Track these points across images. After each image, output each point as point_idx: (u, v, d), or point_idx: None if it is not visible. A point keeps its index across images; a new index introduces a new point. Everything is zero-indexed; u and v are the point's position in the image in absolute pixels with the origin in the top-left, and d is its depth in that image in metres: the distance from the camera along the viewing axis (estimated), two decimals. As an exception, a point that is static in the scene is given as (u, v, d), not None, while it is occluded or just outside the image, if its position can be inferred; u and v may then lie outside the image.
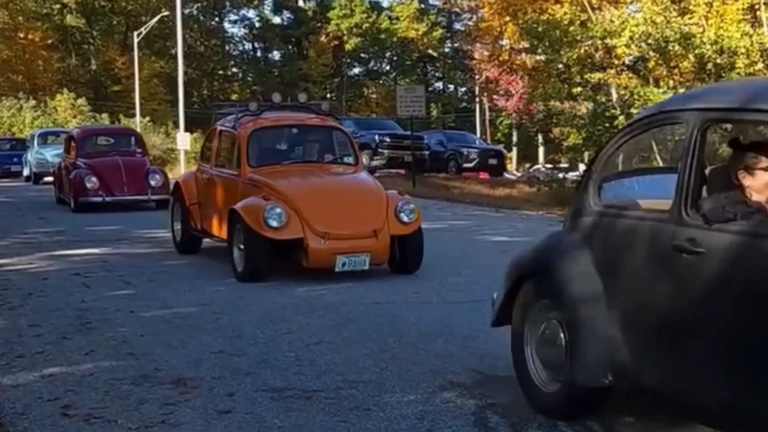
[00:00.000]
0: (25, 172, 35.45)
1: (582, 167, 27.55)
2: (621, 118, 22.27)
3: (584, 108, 24.38)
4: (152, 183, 20.65)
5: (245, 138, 11.72)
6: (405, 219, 10.82)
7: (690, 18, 22.80)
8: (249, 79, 75.48)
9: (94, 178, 20.10)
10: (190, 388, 6.19)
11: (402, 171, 31.44)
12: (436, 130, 51.19)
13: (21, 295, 9.84)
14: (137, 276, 11.15)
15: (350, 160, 12.47)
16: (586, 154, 26.03)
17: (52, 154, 30.99)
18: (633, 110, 22.02)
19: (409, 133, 30.66)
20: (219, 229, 11.84)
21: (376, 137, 31.71)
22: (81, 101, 52.49)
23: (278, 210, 10.31)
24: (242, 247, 10.58)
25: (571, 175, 27.85)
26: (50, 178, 26.68)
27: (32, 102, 51.40)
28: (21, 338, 7.84)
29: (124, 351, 7.32)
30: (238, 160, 11.73)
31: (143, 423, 5.49)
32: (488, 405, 5.75)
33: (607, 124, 22.76)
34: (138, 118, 49.70)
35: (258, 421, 5.51)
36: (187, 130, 43.15)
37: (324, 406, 5.76)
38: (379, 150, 31.42)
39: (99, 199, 20.11)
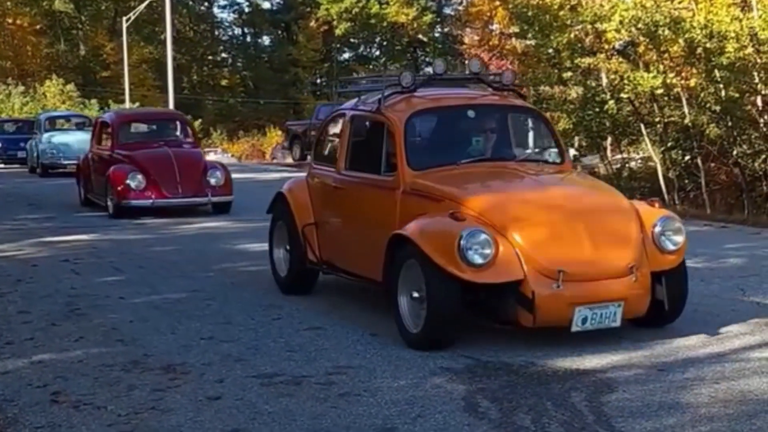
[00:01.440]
0: (30, 162, 29.90)
1: (572, 152, 27.58)
2: (611, 102, 22.28)
3: (574, 93, 24.35)
4: (212, 181, 16.40)
5: (400, 126, 7.78)
6: (669, 246, 7.12)
7: (680, 2, 22.76)
8: (239, 64, 75.19)
9: (139, 176, 15.91)
10: (180, 375, 6.19)
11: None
12: (426, 115, 51.09)
13: (10, 282, 9.81)
14: (127, 262, 11.12)
15: (553, 156, 8.46)
16: (576, 139, 26.05)
17: (62, 141, 27.46)
18: (623, 95, 22.06)
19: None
20: (363, 263, 7.96)
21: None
22: (70, 87, 52.20)
23: (483, 237, 6.64)
24: (417, 294, 6.89)
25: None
26: (65, 171, 24.80)
27: (21, 88, 51.15)
28: (10, 325, 7.82)
29: (114, 337, 7.31)
30: (389, 158, 7.87)
31: (133, 409, 5.48)
32: (478, 390, 5.75)
33: (597, 109, 22.74)
34: (128, 104, 49.52)
35: (248, 407, 5.50)
36: (176, 115, 43.01)
37: (314, 392, 5.76)
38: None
39: (147, 202, 15.90)
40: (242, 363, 6.46)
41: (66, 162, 26.08)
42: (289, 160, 34.53)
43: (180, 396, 5.73)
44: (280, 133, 47.96)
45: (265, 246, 9.59)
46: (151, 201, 15.94)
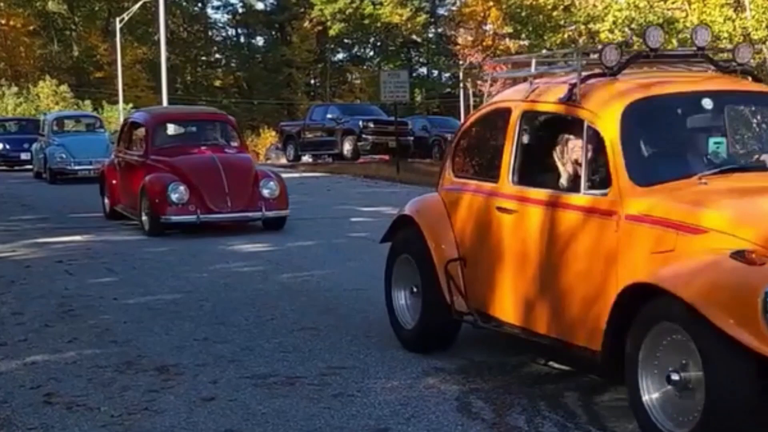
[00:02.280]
0: (35, 166, 26.91)
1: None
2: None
3: (568, 93, 24.38)
4: (265, 193, 13.75)
5: (614, 123, 5.52)
6: None
7: (673, 2, 22.82)
8: (232, 65, 75.20)
9: (182, 187, 13.36)
10: (174, 375, 6.19)
11: (386, 157, 31.43)
12: (420, 115, 51.18)
13: (3, 283, 9.80)
14: (120, 263, 11.11)
15: None
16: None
17: (73, 144, 24.90)
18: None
19: (393, 118, 30.63)
20: (552, 319, 5.71)
21: (360, 123, 31.67)
22: (63, 88, 52.16)
23: None
24: (678, 378, 4.60)
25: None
26: (75, 177, 23.63)
27: (14, 89, 51.07)
28: (3, 326, 7.81)
29: (107, 338, 7.30)
30: (594, 169, 5.62)
31: (126, 410, 5.48)
32: (471, 390, 5.76)
33: (591, 109, 22.78)
34: (121, 104, 49.50)
35: (241, 407, 5.50)
36: (170, 116, 42.95)
37: (308, 393, 5.76)
38: (363, 136, 31.37)
39: (191, 218, 13.34)
40: (236, 364, 6.46)
41: (77, 168, 24.33)
42: (283, 161, 34.54)
43: (173, 397, 5.72)
44: (274, 133, 48.03)
45: (262, 246, 9.60)
46: (195, 217, 13.27)
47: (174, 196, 13.30)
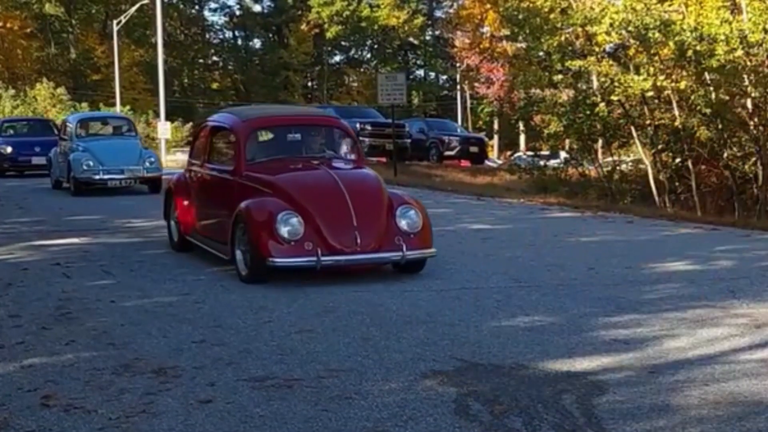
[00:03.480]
0: (54, 174, 23.61)
1: (563, 154, 27.66)
2: (602, 105, 22.35)
3: (565, 95, 24.44)
4: (404, 225, 9.92)
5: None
6: None
7: (670, 5, 22.86)
8: (230, 67, 75.28)
9: (295, 218, 9.60)
10: (171, 378, 6.18)
11: (383, 159, 31.45)
12: (417, 118, 51.22)
13: (0, 286, 9.78)
14: (118, 266, 11.10)
15: None
16: (567, 142, 26.12)
17: (103, 151, 21.81)
18: (613, 98, 22.12)
19: (390, 121, 30.64)
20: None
21: (357, 125, 31.64)
22: (60, 90, 52.19)
23: None
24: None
25: (552, 162, 27.96)
26: (104, 187, 21.03)
27: (11, 91, 51.07)
28: (0, 329, 7.79)
29: (105, 341, 7.29)
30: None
31: (124, 413, 5.47)
32: (469, 392, 5.76)
33: (588, 112, 22.84)
34: (118, 107, 49.49)
35: (239, 410, 5.50)
36: (167, 119, 43.03)
37: (305, 395, 5.76)
38: (361, 138, 31.37)
39: (309, 261, 9.54)
40: (233, 366, 6.45)
41: (107, 177, 21.47)
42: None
43: (171, 399, 5.72)
44: (271, 136, 47.98)
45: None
46: (314, 259, 9.43)
47: (285, 230, 9.48)
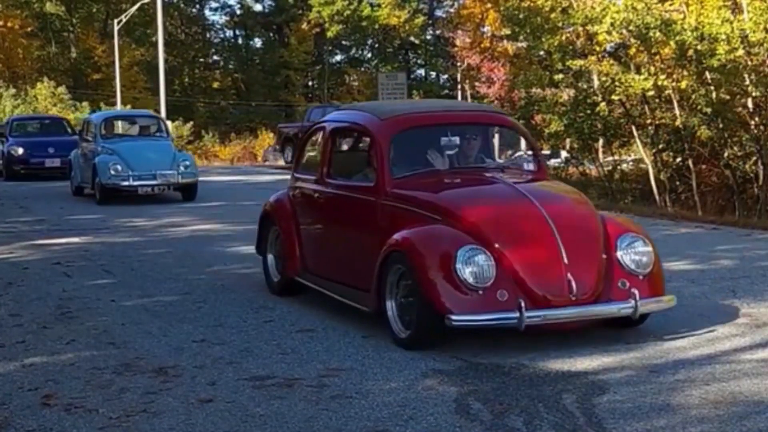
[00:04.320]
0: (75, 180, 21.06)
1: (564, 154, 27.65)
2: (602, 104, 22.33)
3: (566, 95, 24.41)
4: (629, 263, 7.04)
5: None
6: None
7: (671, 4, 22.85)
8: (230, 66, 75.24)
9: (481, 255, 6.69)
10: (172, 377, 6.18)
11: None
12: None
13: (1, 285, 9.78)
14: (118, 265, 11.10)
15: None
16: (567, 141, 26.10)
17: (132, 153, 19.08)
18: (614, 97, 22.10)
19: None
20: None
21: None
22: (61, 89, 52.16)
23: None
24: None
25: (553, 161, 27.94)
26: (134, 194, 18.58)
27: (12, 90, 51.05)
28: (1, 328, 7.80)
29: (105, 340, 7.29)
30: None
31: (124, 412, 5.47)
32: (470, 392, 5.76)
33: (589, 111, 22.80)
34: (119, 106, 49.48)
35: (240, 409, 5.50)
36: (168, 118, 43.03)
37: (306, 395, 5.76)
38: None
39: (507, 318, 6.57)
40: (234, 365, 6.45)
41: (138, 184, 18.77)
42: (281, 163, 34.54)
43: (171, 399, 5.72)
44: (272, 135, 48.01)
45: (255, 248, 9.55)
46: (515, 316, 6.51)
47: (468, 272, 6.60)
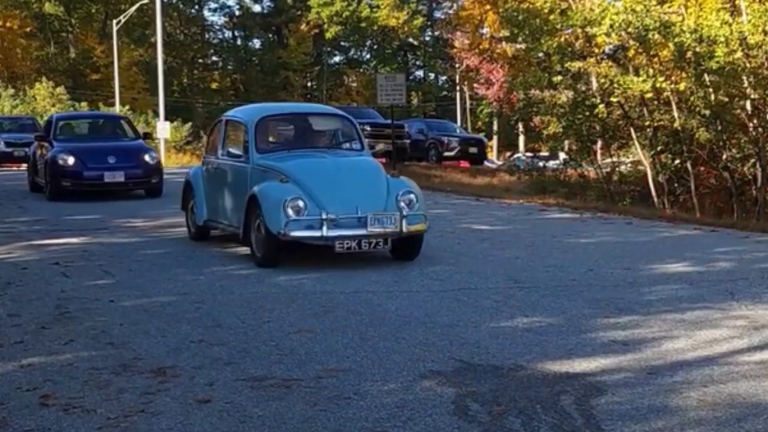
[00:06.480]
0: (199, 215, 12.41)
1: (562, 155, 27.67)
2: (601, 106, 22.34)
3: (564, 97, 24.43)
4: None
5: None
6: None
7: (670, 6, 22.88)
8: (229, 67, 75.29)
9: None
10: (170, 378, 6.18)
11: (383, 159, 31.43)
12: (416, 118, 51.22)
13: (-1, 285, 9.79)
14: (117, 265, 11.10)
15: None
16: (566, 143, 26.12)
17: (317, 182, 10.65)
18: (613, 99, 22.12)
19: (389, 121, 30.62)
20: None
21: (357, 126, 31.68)
22: (60, 90, 52.18)
23: None
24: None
25: (552, 163, 27.96)
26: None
27: (11, 90, 51.05)
28: (-1, 328, 7.80)
29: (104, 340, 7.29)
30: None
31: (123, 412, 5.47)
32: (468, 393, 5.76)
33: (587, 113, 22.83)
34: (117, 107, 49.48)
35: (238, 410, 5.50)
36: (167, 118, 43.02)
37: (304, 395, 5.76)
38: (360, 138, 31.38)
39: None
40: (232, 366, 6.45)
41: (334, 235, 10.37)
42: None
43: (170, 399, 5.72)
44: (270, 136, 47.97)
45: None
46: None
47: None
